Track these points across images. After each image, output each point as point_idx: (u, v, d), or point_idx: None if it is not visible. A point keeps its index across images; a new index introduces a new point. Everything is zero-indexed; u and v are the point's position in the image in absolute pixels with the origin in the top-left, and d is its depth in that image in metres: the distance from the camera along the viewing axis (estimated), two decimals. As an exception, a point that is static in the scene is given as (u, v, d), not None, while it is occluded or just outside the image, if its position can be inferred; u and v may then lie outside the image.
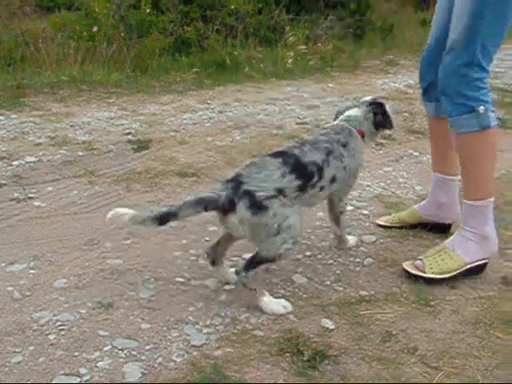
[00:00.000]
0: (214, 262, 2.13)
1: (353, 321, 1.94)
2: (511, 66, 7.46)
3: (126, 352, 1.74)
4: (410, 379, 1.68)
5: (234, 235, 2.03)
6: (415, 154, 3.81)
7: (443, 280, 2.18)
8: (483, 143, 2.19)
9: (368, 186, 3.18)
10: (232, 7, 6.98)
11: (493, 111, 2.17)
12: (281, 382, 1.65)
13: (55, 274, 2.17)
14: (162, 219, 1.88)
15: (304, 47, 7.13)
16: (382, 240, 2.53)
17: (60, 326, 1.86)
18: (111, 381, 1.63)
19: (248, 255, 2.32)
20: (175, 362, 1.71)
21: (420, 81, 2.50)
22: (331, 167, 2.13)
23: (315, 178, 2.07)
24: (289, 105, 5.00)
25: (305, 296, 2.08)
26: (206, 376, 1.65)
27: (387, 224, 2.66)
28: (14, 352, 1.73)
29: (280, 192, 1.95)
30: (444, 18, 2.29)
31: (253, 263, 1.96)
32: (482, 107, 2.12)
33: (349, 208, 2.75)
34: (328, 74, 6.60)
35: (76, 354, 1.73)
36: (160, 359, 1.72)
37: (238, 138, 3.97)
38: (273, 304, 1.98)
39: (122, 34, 6.19)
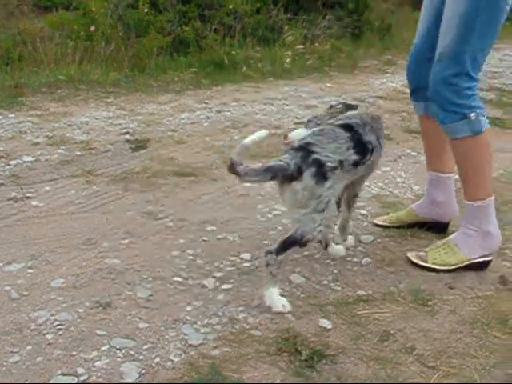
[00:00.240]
0: (326, 246, 2.36)
1: (350, 320, 1.94)
2: (510, 65, 7.48)
3: (123, 351, 1.74)
4: (407, 379, 1.68)
5: (288, 203, 2.06)
6: (413, 153, 3.81)
7: (444, 271, 2.23)
8: (478, 146, 2.21)
9: (366, 185, 3.18)
10: (230, 7, 6.97)
11: (483, 115, 2.19)
12: (278, 381, 1.65)
13: (53, 274, 2.17)
14: (229, 168, 1.93)
15: (302, 47, 7.13)
16: (379, 240, 2.54)
17: (58, 325, 1.85)
18: (109, 381, 1.63)
19: (247, 255, 2.34)
20: (173, 361, 1.71)
21: (408, 81, 2.51)
22: (376, 151, 2.20)
23: (367, 157, 2.15)
24: (287, 104, 5.00)
25: (302, 296, 2.08)
26: (204, 376, 1.65)
27: (385, 224, 2.66)
28: (12, 352, 1.72)
29: (341, 164, 2.02)
30: (431, 16, 2.29)
31: (285, 246, 1.98)
32: (473, 114, 2.15)
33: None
34: (326, 73, 6.60)
35: (74, 353, 1.73)
36: (158, 359, 1.72)
37: (236, 137, 3.96)
38: (275, 299, 1.98)
39: (120, 34, 6.18)
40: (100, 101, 4.82)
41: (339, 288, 2.14)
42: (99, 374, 1.65)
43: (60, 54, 5.72)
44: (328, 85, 5.93)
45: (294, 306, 2.00)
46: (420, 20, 2.39)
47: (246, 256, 2.34)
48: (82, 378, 1.63)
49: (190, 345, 1.79)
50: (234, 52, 6.44)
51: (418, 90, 2.41)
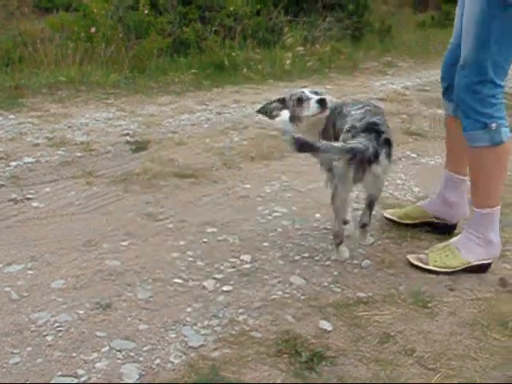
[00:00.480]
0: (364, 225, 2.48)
1: (350, 322, 1.94)
2: None
3: (123, 353, 1.74)
4: (407, 381, 1.68)
5: (370, 187, 2.18)
6: (413, 155, 3.82)
7: (444, 274, 2.23)
8: (495, 158, 2.19)
9: (366, 187, 3.19)
10: (230, 9, 6.99)
11: (506, 126, 2.17)
12: (278, 383, 1.65)
13: (53, 275, 2.17)
14: (302, 146, 1.95)
15: (302, 49, 7.15)
16: (379, 242, 2.53)
17: (58, 326, 1.85)
18: (109, 382, 1.63)
19: (247, 257, 2.34)
20: (173, 363, 1.71)
21: (441, 80, 2.48)
22: None
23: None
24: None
25: (302, 297, 2.08)
26: (204, 377, 1.65)
27: (393, 218, 2.66)
28: (12, 353, 1.73)
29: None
30: (461, 22, 2.27)
31: (371, 212, 2.37)
32: (494, 124, 2.13)
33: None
34: (326, 75, 6.61)
35: (74, 354, 1.73)
36: (158, 360, 1.72)
37: (236, 139, 3.97)
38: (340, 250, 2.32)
39: (121, 35, 6.19)
40: (100, 102, 4.82)
41: (339, 290, 2.14)
42: (99, 376, 1.65)
43: (60, 55, 5.72)
44: (328, 86, 5.93)
45: (293, 308, 2.00)
46: (456, 19, 2.35)
47: (246, 258, 2.34)
48: (82, 380, 1.63)
49: (190, 346, 1.79)
50: (234, 54, 6.45)
51: (451, 90, 2.35)
